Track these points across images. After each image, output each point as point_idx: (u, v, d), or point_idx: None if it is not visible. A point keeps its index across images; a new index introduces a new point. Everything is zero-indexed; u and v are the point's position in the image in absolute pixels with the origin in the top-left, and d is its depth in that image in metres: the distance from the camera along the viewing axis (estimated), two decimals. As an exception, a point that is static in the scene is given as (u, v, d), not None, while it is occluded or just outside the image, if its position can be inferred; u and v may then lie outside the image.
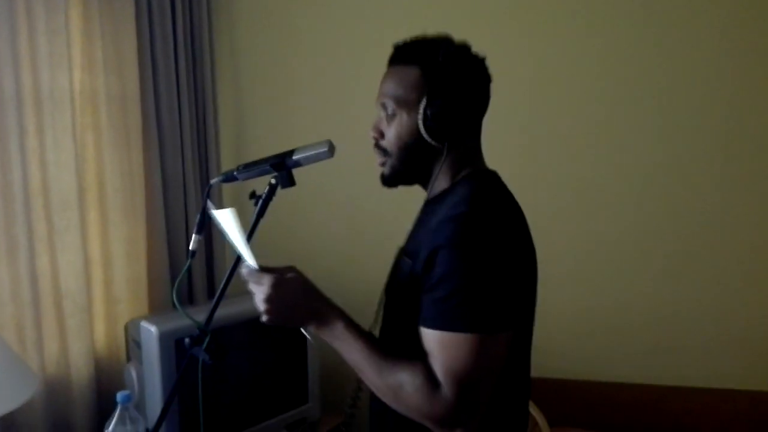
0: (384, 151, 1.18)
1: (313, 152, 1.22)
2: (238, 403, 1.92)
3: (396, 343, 1.12)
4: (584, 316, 2.24)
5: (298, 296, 1.10)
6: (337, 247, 2.45)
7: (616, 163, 2.16)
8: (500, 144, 2.12)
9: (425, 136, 1.11)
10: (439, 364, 0.99)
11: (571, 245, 2.21)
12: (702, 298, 2.14)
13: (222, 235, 1.16)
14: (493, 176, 1.18)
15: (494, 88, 2.19)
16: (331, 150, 1.21)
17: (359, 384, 1.23)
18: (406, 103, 1.13)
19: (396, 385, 1.02)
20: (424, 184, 1.20)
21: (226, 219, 1.17)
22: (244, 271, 1.14)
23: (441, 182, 1.16)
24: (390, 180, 1.20)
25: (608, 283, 2.21)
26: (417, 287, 1.06)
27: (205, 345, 1.27)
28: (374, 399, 1.15)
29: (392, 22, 2.28)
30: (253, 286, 1.11)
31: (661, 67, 2.10)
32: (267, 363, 2.02)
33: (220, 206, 2.31)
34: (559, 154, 2.20)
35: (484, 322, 0.98)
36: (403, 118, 1.14)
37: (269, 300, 1.08)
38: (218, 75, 2.35)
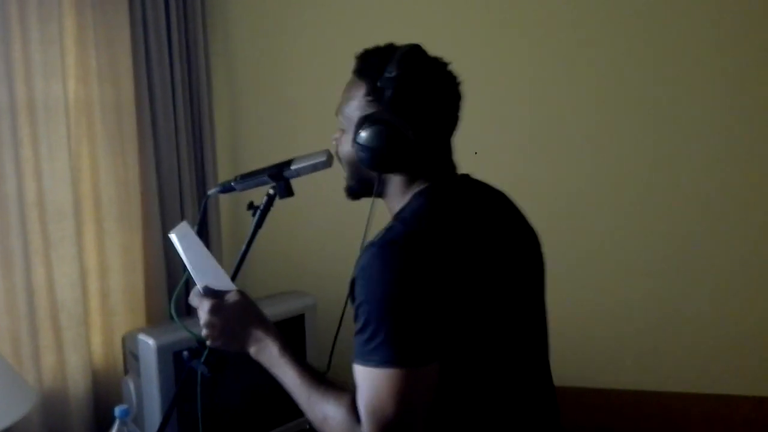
0: (339, 160, 1.15)
1: (311, 162, 1.21)
2: (237, 415, 1.90)
3: None
4: (581, 321, 2.22)
5: (236, 321, 1.11)
6: (340, 254, 2.43)
7: (614, 166, 2.16)
8: (498, 147, 2.12)
9: (357, 161, 1.06)
10: (361, 399, 0.94)
11: (568, 250, 2.19)
12: (701, 303, 2.13)
13: (177, 256, 1.16)
14: (443, 189, 1.07)
15: (493, 91, 2.19)
16: (330, 160, 1.20)
17: None
18: (349, 122, 1.07)
19: (321, 417, 1.00)
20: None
21: (184, 237, 1.15)
22: (191, 294, 1.15)
23: (394, 203, 1.10)
24: (348, 194, 1.17)
25: (605, 288, 2.20)
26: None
27: (204, 358, 1.26)
28: None
29: (391, 24, 2.27)
30: (198, 310, 1.13)
31: (659, 70, 2.10)
32: (265, 375, 2.00)
33: (217, 217, 2.31)
34: (556, 158, 2.19)
35: (398, 356, 0.91)
36: (347, 137, 1.08)
37: (208, 324, 1.11)
38: (214, 83, 2.33)
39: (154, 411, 1.75)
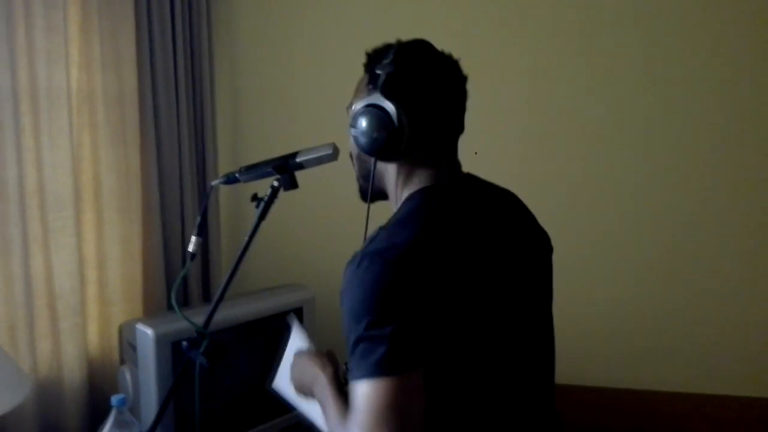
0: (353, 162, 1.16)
1: (316, 155, 1.21)
2: (234, 406, 1.90)
3: None
4: (578, 320, 2.23)
5: (303, 370, 1.21)
6: (340, 248, 2.43)
7: (611, 166, 2.17)
8: (495, 146, 2.13)
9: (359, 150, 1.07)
10: (351, 414, 0.94)
11: (564, 249, 2.19)
12: (697, 302, 2.14)
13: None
14: (437, 192, 1.06)
15: (491, 90, 2.19)
16: (335, 153, 1.20)
17: None
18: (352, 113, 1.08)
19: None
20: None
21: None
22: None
23: (395, 199, 1.10)
24: (361, 195, 1.17)
25: (602, 287, 2.21)
26: None
27: (202, 348, 1.26)
28: None
29: (393, 22, 2.27)
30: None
31: (656, 70, 2.11)
32: (263, 366, 2.00)
33: (216, 209, 2.31)
34: (552, 157, 2.20)
35: (377, 366, 0.89)
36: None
37: (292, 378, 1.25)
38: (216, 74, 2.33)
39: (150, 401, 1.75)
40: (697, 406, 2.13)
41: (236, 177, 1.29)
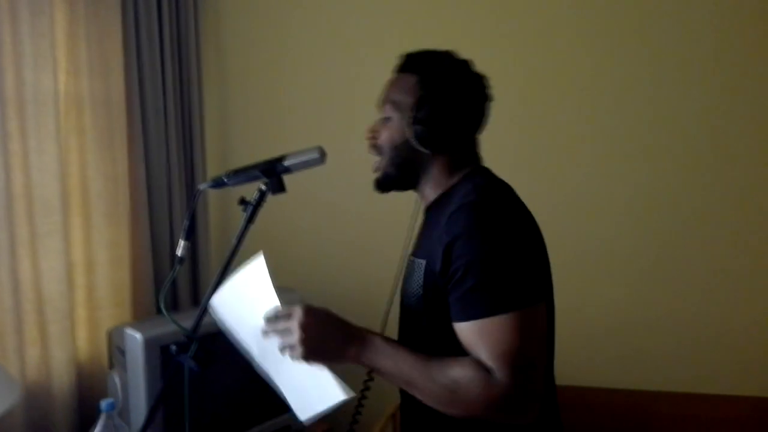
0: (379, 150, 1.22)
1: (303, 158, 1.21)
2: (224, 410, 1.91)
3: (421, 346, 1.09)
4: (573, 320, 2.24)
5: (330, 323, 1.07)
6: (328, 251, 2.44)
7: (606, 168, 2.18)
8: (492, 148, 2.13)
9: (412, 139, 1.15)
10: (486, 352, 0.99)
11: (559, 250, 2.21)
12: (691, 303, 2.15)
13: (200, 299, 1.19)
14: (492, 173, 1.21)
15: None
16: (323, 156, 1.21)
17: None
18: (399, 107, 1.18)
19: (450, 384, 1.00)
20: (417, 190, 1.24)
21: (256, 272, 1.20)
22: (268, 313, 1.12)
23: (437, 187, 1.19)
24: (382, 184, 1.23)
25: (597, 288, 2.22)
26: (436, 285, 1.08)
27: (192, 352, 1.26)
28: (407, 412, 1.20)
29: (383, 24, 2.28)
30: (281, 324, 1.08)
31: (655, 74, 2.12)
32: (253, 370, 2.01)
33: (205, 212, 2.31)
34: (547, 159, 2.22)
35: (518, 300, 1.00)
36: (395, 120, 1.18)
37: (304, 328, 1.04)
38: (204, 79, 2.33)
39: (139, 405, 1.75)
40: (694, 406, 2.14)
41: (224, 181, 1.29)
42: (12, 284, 1.73)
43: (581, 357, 2.23)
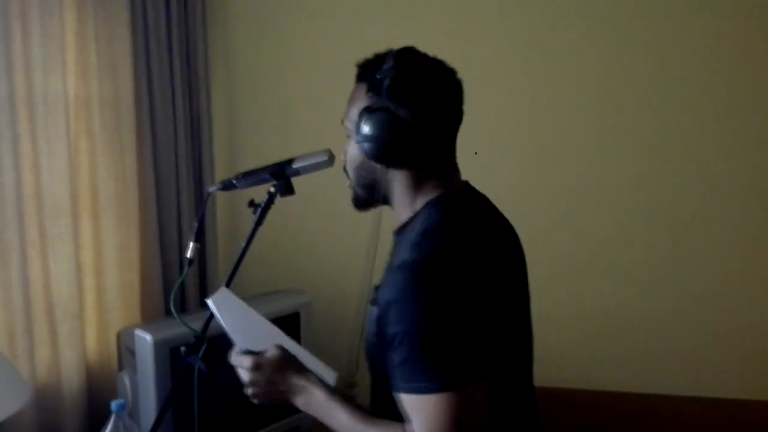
0: (346, 171, 1.16)
1: (312, 161, 1.22)
2: (232, 411, 1.91)
3: (385, 399, 1.04)
4: (574, 323, 2.25)
5: (275, 375, 1.11)
6: (336, 253, 2.44)
7: (608, 169, 2.18)
8: (493, 149, 2.14)
9: (365, 156, 1.05)
10: (416, 426, 0.92)
11: (561, 252, 2.22)
12: (692, 305, 2.15)
13: (217, 321, 1.19)
14: (457, 199, 1.08)
15: (490, 93, 2.20)
16: (331, 159, 1.21)
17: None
18: (352, 122, 1.08)
19: None
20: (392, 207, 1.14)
21: (222, 302, 1.18)
22: (231, 354, 1.17)
23: (403, 208, 1.10)
24: (354, 203, 1.17)
25: (598, 290, 2.22)
26: (382, 343, 0.99)
27: (201, 353, 1.26)
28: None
29: (389, 25, 2.28)
30: (238, 370, 1.15)
31: (656, 71, 2.11)
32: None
33: (213, 215, 2.32)
34: (550, 159, 2.21)
35: (449, 379, 0.90)
36: (352, 138, 1.09)
37: (251, 382, 1.12)
38: (213, 80, 2.34)
39: (149, 406, 1.75)
40: (692, 408, 2.14)
41: (233, 183, 1.29)
42: (22, 286, 1.74)
43: (583, 359, 2.23)
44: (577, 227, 2.21)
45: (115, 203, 2.01)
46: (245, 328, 1.18)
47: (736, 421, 2.10)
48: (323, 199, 2.39)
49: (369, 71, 1.07)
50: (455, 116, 1.09)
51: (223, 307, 1.17)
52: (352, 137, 1.09)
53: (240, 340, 1.18)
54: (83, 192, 1.95)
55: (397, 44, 1.10)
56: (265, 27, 2.41)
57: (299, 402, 1.10)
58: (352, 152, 1.10)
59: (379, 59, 1.07)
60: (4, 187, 1.71)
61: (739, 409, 2.11)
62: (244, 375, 1.13)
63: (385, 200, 1.12)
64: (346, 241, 2.43)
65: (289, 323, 2.04)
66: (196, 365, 1.28)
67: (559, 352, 2.22)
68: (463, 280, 0.94)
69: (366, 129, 1.02)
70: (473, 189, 1.15)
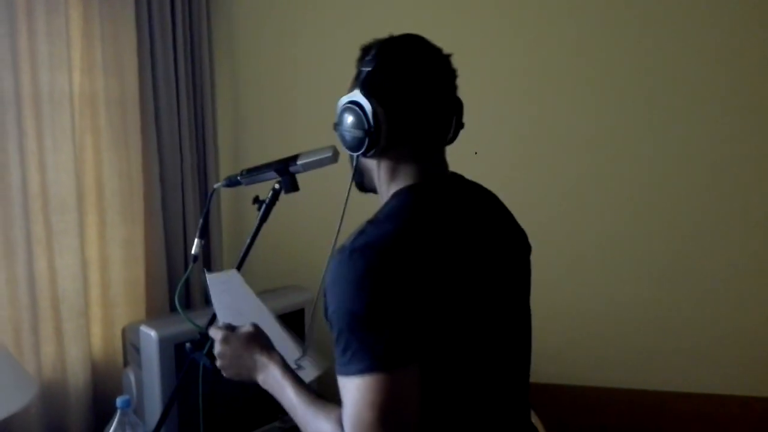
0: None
1: (317, 158, 1.22)
2: (238, 407, 1.92)
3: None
4: (577, 320, 2.25)
5: (241, 349, 1.14)
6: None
7: (611, 166, 2.18)
8: (494, 146, 2.13)
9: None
10: (343, 410, 0.92)
11: (564, 249, 2.22)
12: (695, 302, 2.15)
13: (209, 298, 1.23)
14: (426, 190, 1.06)
15: (488, 88, 2.20)
16: (335, 156, 1.22)
17: None
18: None
19: None
20: None
21: (223, 282, 1.24)
22: (211, 327, 1.21)
23: (382, 198, 1.10)
24: (357, 188, 1.17)
25: (601, 288, 2.22)
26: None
27: (206, 349, 1.27)
28: None
29: (393, 22, 2.26)
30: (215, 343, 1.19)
31: (657, 72, 2.11)
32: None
33: (218, 211, 2.32)
34: (552, 157, 2.21)
35: (375, 361, 0.89)
36: None
37: (219, 354, 1.17)
38: (217, 78, 2.34)
39: (154, 403, 1.76)
40: (697, 405, 2.14)
41: (238, 180, 1.30)
42: (28, 282, 1.75)
43: (588, 356, 2.23)
44: (577, 227, 2.21)
45: (120, 200, 2.01)
46: (234, 306, 1.22)
47: (737, 418, 2.10)
48: (327, 195, 2.39)
49: (359, 60, 1.08)
50: (438, 109, 1.07)
51: (224, 285, 1.21)
52: None
53: (222, 315, 1.22)
54: (88, 188, 1.96)
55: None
56: (269, 24, 2.41)
57: (260, 378, 1.13)
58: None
59: (368, 48, 1.07)
60: (9, 184, 1.72)
61: (740, 406, 2.11)
62: (216, 347, 1.17)
63: (361, 185, 1.15)
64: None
65: (293, 319, 2.05)
66: (200, 361, 1.29)
67: (561, 350, 2.22)
68: (398, 267, 0.92)
69: (341, 119, 1.04)
70: (459, 181, 1.14)
